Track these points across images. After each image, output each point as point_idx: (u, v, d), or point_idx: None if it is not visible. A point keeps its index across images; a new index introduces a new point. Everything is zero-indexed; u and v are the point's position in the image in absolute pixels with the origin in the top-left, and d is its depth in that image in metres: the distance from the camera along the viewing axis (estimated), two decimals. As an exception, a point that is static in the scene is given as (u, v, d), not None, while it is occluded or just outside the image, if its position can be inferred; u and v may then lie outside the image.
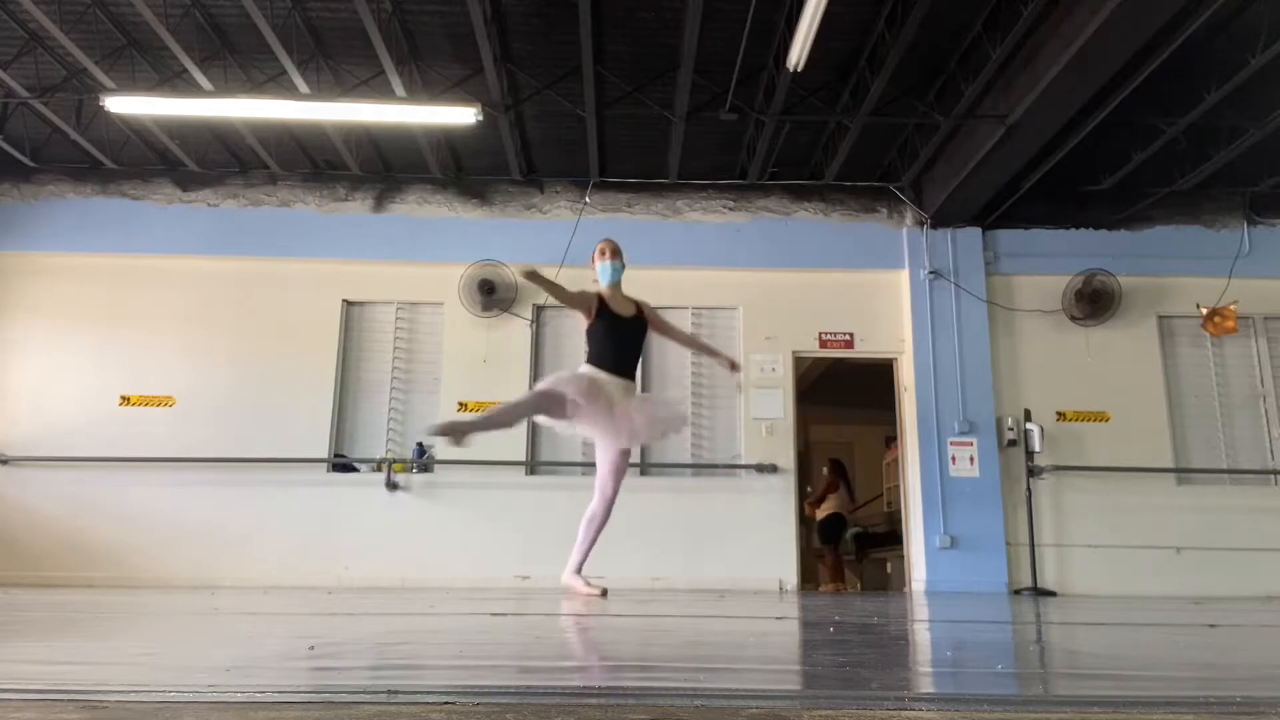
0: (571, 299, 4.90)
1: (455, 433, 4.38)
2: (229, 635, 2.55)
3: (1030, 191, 8.13)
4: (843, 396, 11.88)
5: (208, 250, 8.47)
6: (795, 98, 7.16)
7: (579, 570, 5.02)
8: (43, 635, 2.50)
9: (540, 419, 4.83)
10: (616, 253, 5.05)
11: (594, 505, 4.94)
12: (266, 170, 8.56)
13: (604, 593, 4.94)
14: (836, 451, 13.34)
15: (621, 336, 4.94)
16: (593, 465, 8.10)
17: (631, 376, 4.93)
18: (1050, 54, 6.13)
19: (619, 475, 4.93)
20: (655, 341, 8.45)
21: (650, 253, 8.54)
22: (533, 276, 4.61)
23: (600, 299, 4.95)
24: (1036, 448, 7.96)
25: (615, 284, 5.03)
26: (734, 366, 5.27)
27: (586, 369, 4.86)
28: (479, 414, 4.97)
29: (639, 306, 5.08)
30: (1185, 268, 8.54)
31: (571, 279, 8.62)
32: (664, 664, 1.84)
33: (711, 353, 5.50)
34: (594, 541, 4.97)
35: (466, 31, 6.48)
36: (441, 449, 8.10)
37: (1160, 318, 8.54)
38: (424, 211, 8.70)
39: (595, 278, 5.07)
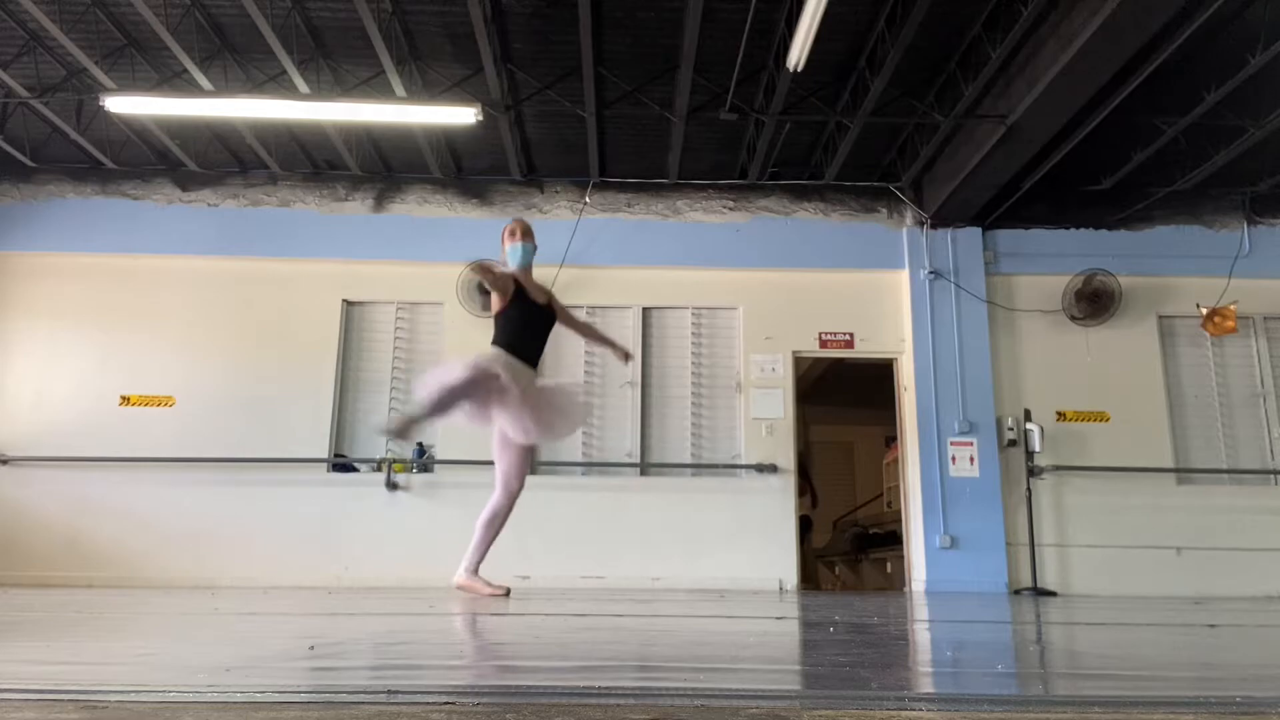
0: (494, 280, 4.64)
1: (404, 431, 4.37)
2: (229, 635, 2.55)
3: (1030, 191, 8.13)
4: (843, 396, 11.89)
5: (208, 250, 8.47)
6: (795, 98, 7.16)
7: (475, 570, 4.77)
8: (43, 635, 2.50)
9: (459, 410, 4.54)
10: (528, 233, 4.83)
11: (496, 501, 4.72)
12: (266, 170, 8.56)
13: (507, 592, 4.70)
14: (837, 451, 13.36)
15: (535, 325, 4.76)
16: (594, 465, 8.22)
17: (537, 367, 4.76)
18: (1050, 54, 6.13)
19: (524, 471, 4.75)
20: (656, 340, 8.50)
21: (650, 253, 8.56)
22: (482, 271, 4.51)
23: (516, 282, 4.71)
24: (1036, 448, 7.96)
25: (526, 267, 4.82)
26: (627, 356, 5.09)
27: (500, 354, 4.60)
28: (416, 406, 4.46)
29: (549, 295, 4.92)
30: (1185, 268, 8.54)
31: (572, 279, 8.63)
32: (664, 664, 1.84)
33: (607, 343, 5.24)
34: (493, 541, 4.78)
35: (466, 31, 6.48)
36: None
37: (1160, 318, 8.53)
38: (424, 211, 8.71)
39: (505, 260, 4.83)
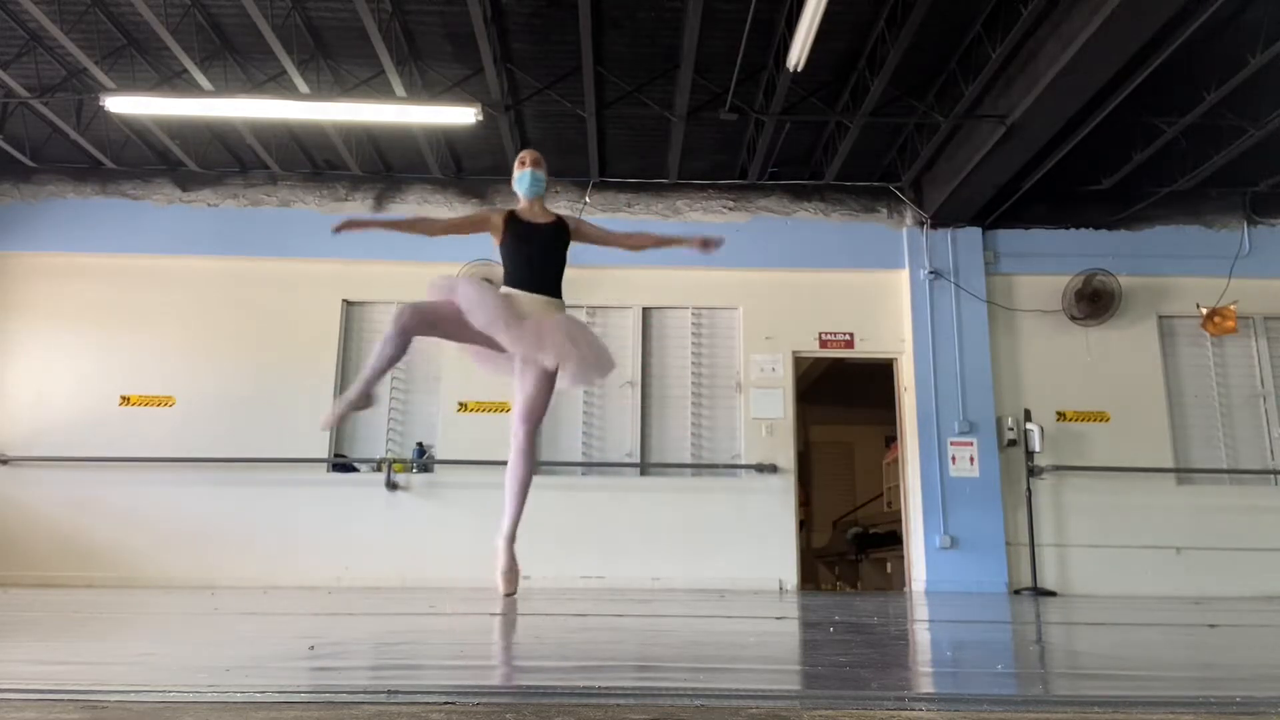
0: (463, 222, 4.39)
1: (344, 410, 4.00)
2: (229, 635, 2.55)
3: (1030, 191, 8.13)
4: (843, 396, 11.88)
5: (208, 250, 8.47)
6: (795, 98, 7.16)
7: (511, 538, 4.26)
8: (43, 635, 2.50)
9: (470, 349, 4.20)
10: (538, 162, 4.46)
11: (510, 459, 4.21)
12: (266, 170, 8.56)
13: (512, 592, 4.30)
14: (837, 451, 13.35)
15: (531, 245, 4.30)
16: (594, 465, 8.22)
17: (554, 293, 4.28)
18: (1050, 54, 6.13)
19: (535, 411, 4.18)
20: (656, 340, 8.49)
21: (650, 253, 8.53)
22: (348, 226, 4.13)
23: (511, 211, 4.38)
24: (1036, 448, 7.96)
25: (538, 198, 4.46)
26: (706, 243, 4.51)
27: (502, 289, 4.25)
28: (360, 381, 4.06)
29: (559, 218, 4.47)
30: (1185, 268, 8.54)
31: (572, 279, 8.60)
32: (664, 664, 1.84)
33: (675, 241, 4.71)
34: (523, 501, 4.22)
35: (466, 31, 6.48)
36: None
37: (1160, 318, 8.53)
38: (424, 211, 8.69)
39: (515, 192, 4.50)
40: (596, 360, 4.24)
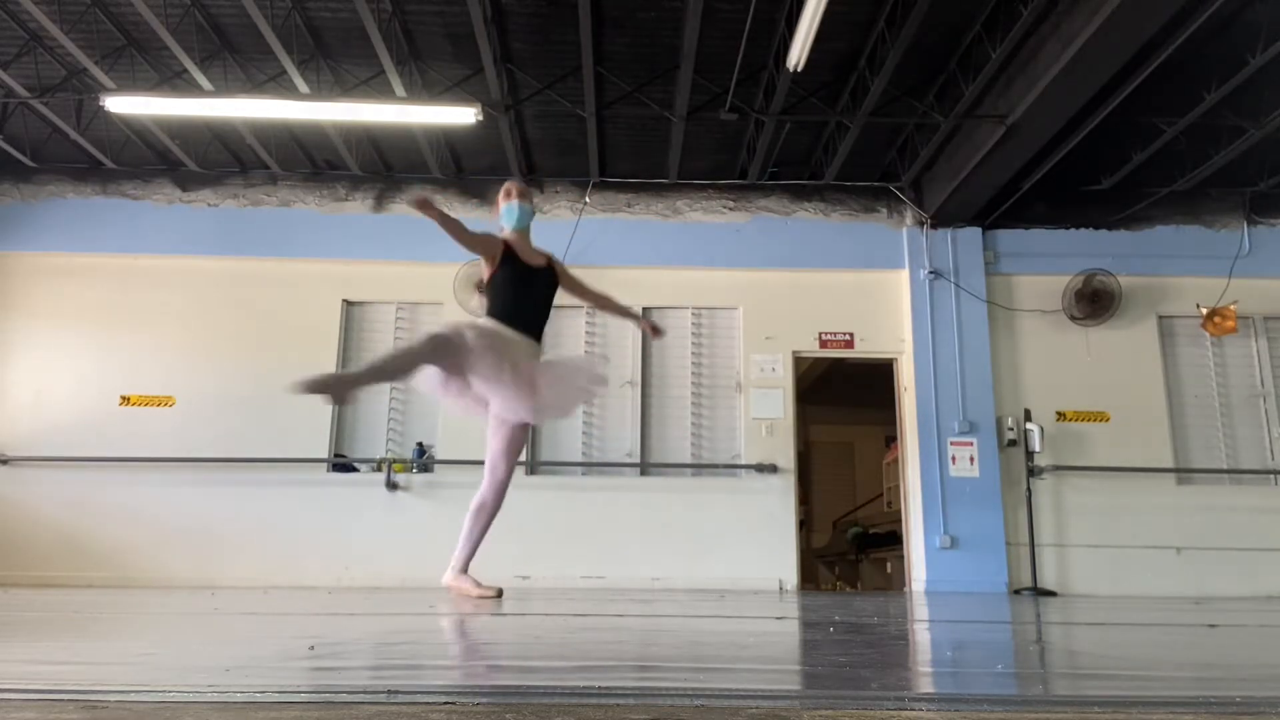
0: (472, 240, 4.24)
1: (332, 390, 3.67)
2: (229, 635, 2.55)
3: (1030, 191, 8.13)
4: (843, 396, 11.89)
5: (208, 250, 8.47)
6: (795, 98, 7.16)
7: (465, 569, 4.39)
8: (43, 635, 2.50)
9: (428, 380, 4.12)
10: (525, 194, 4.49)
11: (483, 492, 4.34)
12: (266, 170, 8.57)
13: (499, 593, 4.37)
14: (837, 451, 13.34)
15: (530, 289, 4.36)
16: (594, 465, 8.21)
17: (538, 338, 4.35)
18: (1050, 54, 6.13)
19: (514, 453, 4.34)
20: (656, 340, 8.48)
21: (650, 253, 8.56)
22: (424, 205, 4.01)
23: (507, 245, 4.37)
24: (1036, 448, 7.96)
25: (524, 230, 4.48)
26: (655, 330, 4.76)
27: (489, 322, 4.23)
28: (361, 366, 4.18)
29: (549, 258, 4.52)
30: (1185, 268, 8.54)
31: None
32: (664, 664, 1.84)
33: (628, 315, 4.90)
34: (484, 535, 4.37)
35: (466, 31, 6.48)
36: (444, 447, 8.11)
37: (1160, 318, 8.54)
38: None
39: (501, 224, 4.51)
40: (589, 384, 4.44)
